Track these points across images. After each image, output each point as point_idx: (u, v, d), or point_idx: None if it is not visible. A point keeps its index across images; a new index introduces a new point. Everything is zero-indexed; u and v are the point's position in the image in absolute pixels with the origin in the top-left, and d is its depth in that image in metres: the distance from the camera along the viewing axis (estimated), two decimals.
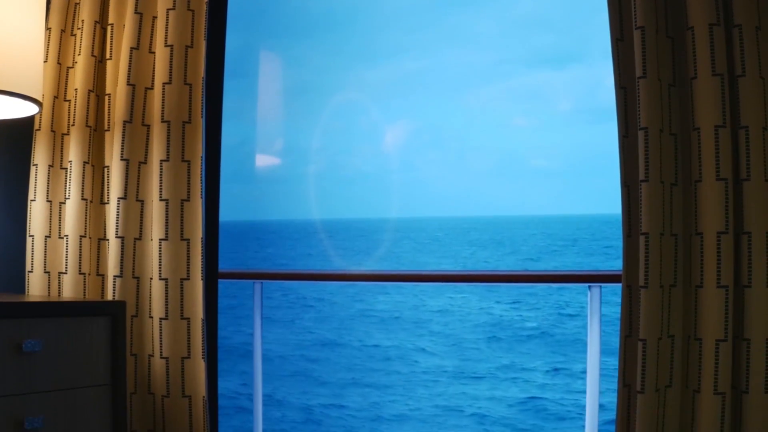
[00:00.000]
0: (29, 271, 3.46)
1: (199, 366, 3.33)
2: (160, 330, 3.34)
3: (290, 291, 34.26)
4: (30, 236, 3.46)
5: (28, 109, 3.17)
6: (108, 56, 3.44)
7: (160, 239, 3.33)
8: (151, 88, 3.40)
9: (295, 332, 28.57)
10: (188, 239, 3.34)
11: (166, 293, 3.33)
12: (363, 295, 34.27)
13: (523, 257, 45.83)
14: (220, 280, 3.70)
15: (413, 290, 34.40)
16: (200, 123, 3.36)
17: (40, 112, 3.33)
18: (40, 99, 3.04)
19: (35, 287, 3.46)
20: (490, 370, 23.98)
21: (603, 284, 3.15)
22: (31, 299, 3.03)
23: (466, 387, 22.38)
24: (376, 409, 20.31)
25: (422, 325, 29.91)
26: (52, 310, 2.90)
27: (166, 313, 3.33)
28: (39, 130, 3.48)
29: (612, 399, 2.88)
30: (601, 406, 3.22)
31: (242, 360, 23.30)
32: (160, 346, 3.35)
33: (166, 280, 3.33)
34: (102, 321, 3.03)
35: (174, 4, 3.33)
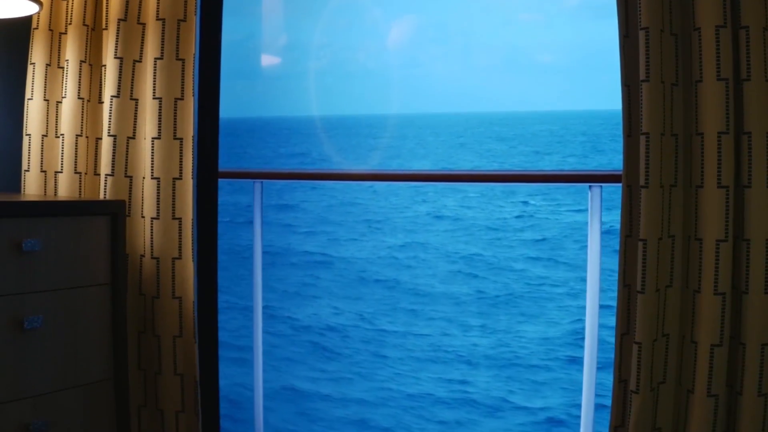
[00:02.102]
0: (26, 170, 3.46)
1: (190, 267, 3.35)
2: (151, 230, 3.34)
3: (336, 192, 31.84)
4: (27, 135, 3.45)
5: (28, 9, 3.13)
6: None
7: (152, 138, 3.32)
8: None
9: (376, 236, 26.79)
10: (181, 138, 3.32)
11: (158, 193, 3.33)
12: (422, 196, 31.57)
13: (565, 155, 43.45)
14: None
15: (465, 191, 31.21)
16: (195, 21, 3.32)
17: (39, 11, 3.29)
18: None
19: (31, 186, 3.45)
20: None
21: (603, 184, 3.13)
22: (29, 198, 3.03)
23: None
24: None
25: (508, 230, 27.21)
26: (53, 209, 2.90)
27: (158, 213, 3.33)
28: (36, 29, 3.44)
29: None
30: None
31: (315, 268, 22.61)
32: (151, 247, 3.36)
33: (158, 179, 3.32)
34: (102, 220, 3.03)
35: None
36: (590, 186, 3.13)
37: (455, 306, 20.68)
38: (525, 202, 29.26)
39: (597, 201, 3.13)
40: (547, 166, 39.73)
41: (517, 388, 15.35)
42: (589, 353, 3.20)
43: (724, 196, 2.52)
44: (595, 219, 3.13)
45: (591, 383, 3.20)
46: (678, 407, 2.73)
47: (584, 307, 2.86)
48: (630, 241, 2.72)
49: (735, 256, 2.57)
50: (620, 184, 2.77)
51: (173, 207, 3.34)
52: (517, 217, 28.17)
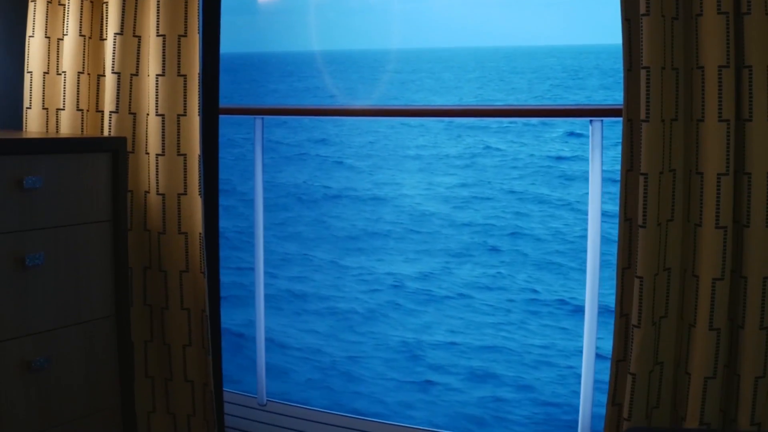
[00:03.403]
0: (27, 108, 3.46)
1: (196, 202, 3.35)
2: (156, 166, 3.34)
3: (364, 125, 30.10)
4: (28, 72, 3.45)
5: None
6: None
7: (156, 75, 3.30)
8: None
9: (426, 172, 25.47)
10: (185, 75, 3.31)
11: (163, 129, 3.32)
12: (456, 130, 29.94)
13: (590, 91, 42.22)
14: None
15: (500, 122, 29.54)
16: None
17: None
18: None
19: (33, 124, 3.45)
20: None
21: (604, 118, 3.11)
22: (31, 136, 3.03)
23: None
24: None
25: (560, 161, 25.74)
26: (54, 146, 2.91)
27: (163, 149, 3.33)
28: None
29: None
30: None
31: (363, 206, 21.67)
32: (156, 183, 3.36)
33: (162, 116, 3.31)
34: (102, 157, 3.04)
35: None
36: (591, 120, 3.12)
37: (541, 245, 19.43)
38: (570, 133, 28.46)
39: (598, 135, 3.11)
40: (581, 99, 38.73)
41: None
42: (591, 289, 3.20)
43: (725, 129, 2.51)
44: (596, 153, 3.12)
45: (593, 323, 3.21)
46: (680, 341, 2.74)
47: None
48: (631, 175, 2.71)
49: (736, 190, 2.56)
50: (621, 119, 2.75)
51: (178, 143, 3.34)
52: (565, 147, 27.19)
